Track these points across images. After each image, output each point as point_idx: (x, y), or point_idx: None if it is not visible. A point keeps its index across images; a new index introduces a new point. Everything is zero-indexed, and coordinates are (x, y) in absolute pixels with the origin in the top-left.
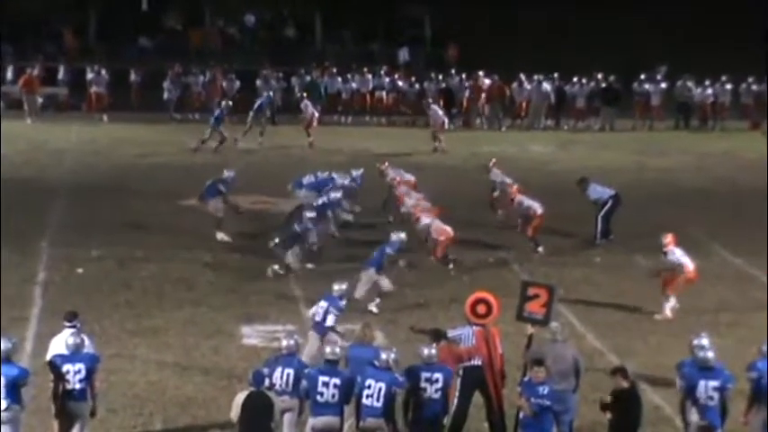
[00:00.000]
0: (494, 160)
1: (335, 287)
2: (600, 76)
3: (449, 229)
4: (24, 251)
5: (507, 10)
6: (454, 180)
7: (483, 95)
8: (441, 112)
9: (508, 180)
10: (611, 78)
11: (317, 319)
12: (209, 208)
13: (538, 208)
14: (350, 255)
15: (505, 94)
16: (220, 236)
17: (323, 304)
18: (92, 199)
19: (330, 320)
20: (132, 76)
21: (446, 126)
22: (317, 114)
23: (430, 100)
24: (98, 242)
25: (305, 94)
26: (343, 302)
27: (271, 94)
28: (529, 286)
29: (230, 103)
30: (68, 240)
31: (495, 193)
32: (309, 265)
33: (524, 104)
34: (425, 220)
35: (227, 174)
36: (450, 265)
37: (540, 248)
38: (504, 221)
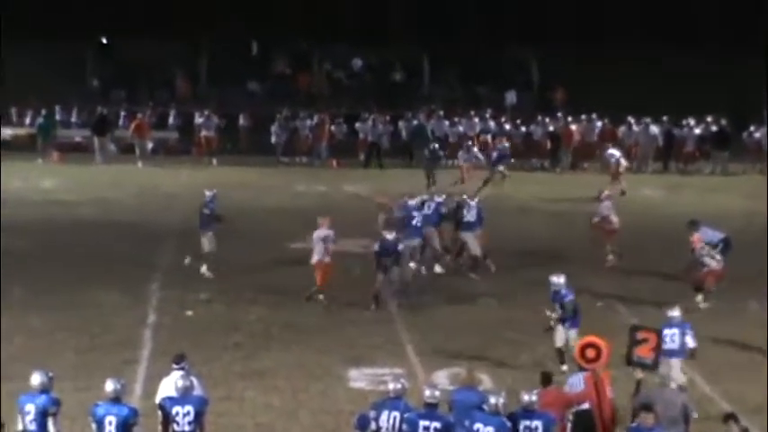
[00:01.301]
0: (606, 192)
1: None
2: (709, 119)
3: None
4: (136, 294)
5: (614, 51)
6: (562, 225)
7: (595, 138)
8: (618, 154)
9: (614, 218)
10: (723, 122)
11: None
12: (204, 240)
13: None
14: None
15: (617, 137)
16: (204, 270)
17: None
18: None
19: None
20: (241, 121)
21: (622, 167)
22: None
23: (609, 145)
24: (207, 285)
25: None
26: None
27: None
28: (637, 330)
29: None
30: (178, 283)
31: (595, 219)
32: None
33: (633, 148)
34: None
35: (208, 194)
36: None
37: (700, 299)
38: (611, 259)
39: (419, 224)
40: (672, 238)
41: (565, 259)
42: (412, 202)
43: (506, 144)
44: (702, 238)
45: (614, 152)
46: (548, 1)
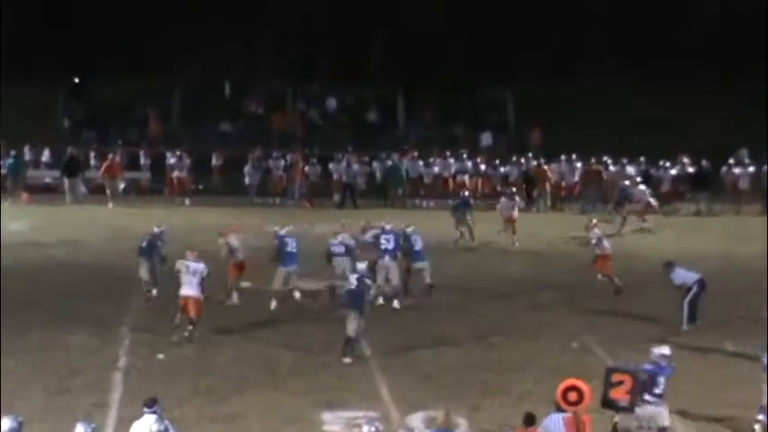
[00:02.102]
0: (594, 220)
1: None
2: (686, 159)
3: None
4: (106, 336)
5: (589, 93)
6: (540, 265)
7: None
8: (647, 192)
9: (606, 243)
10: (703, 162)
11: None
12: (142, 269)
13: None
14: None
15: (602, 178)
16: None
17: None
18: (173, 284)
19: None
20: (214, 161)
21: (654, 206)
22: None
23: (629, 182)
24: (180, 327)
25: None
26: None
27: None
28: (613, 372)
29: None
30: (149, 326)
31: (595, 247)
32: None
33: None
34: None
35: (157, 229)
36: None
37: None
38: (601, 287)
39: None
40: (648, 280)
41: (541, 301)
42: (366, 236)
43: (467, 193)
44: (676, 279)
45: (644, 189)
46: (522, 40)
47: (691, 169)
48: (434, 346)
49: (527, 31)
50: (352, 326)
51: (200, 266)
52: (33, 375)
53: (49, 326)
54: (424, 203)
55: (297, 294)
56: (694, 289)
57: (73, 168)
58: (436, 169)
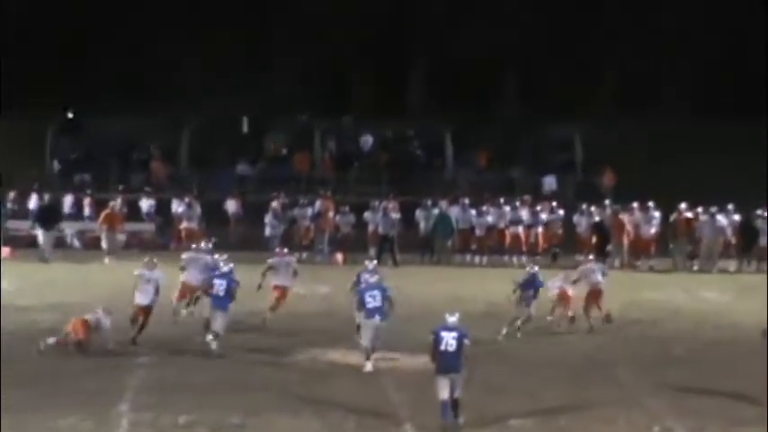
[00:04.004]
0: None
1: None
2: None
3: None
4: (101, 418)
5: (666, 129)
6: (614, 333)
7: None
8: None
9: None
10: None
11: None
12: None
13: None
14: None
15: (693, 229)
16: None
17: None
18: (180, 354)
19: None
20: (230, 209)
21: None
22: None
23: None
24: (187, 405)
25: None
26: None
27: None
28: None
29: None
30: (152, 404)
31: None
32: None
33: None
34: None
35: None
36: None
37: None
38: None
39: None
40: (741, 352)
41: (618, 376)
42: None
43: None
44: None
45: None
46: (591, 69)
47: None
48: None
49: (596, 59)
50: (445, 392)
51: (156, 275)
52: None
53: (34, 407)
54: (477, 259)
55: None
56: None
57: (49, 219)
58: (490, 219)
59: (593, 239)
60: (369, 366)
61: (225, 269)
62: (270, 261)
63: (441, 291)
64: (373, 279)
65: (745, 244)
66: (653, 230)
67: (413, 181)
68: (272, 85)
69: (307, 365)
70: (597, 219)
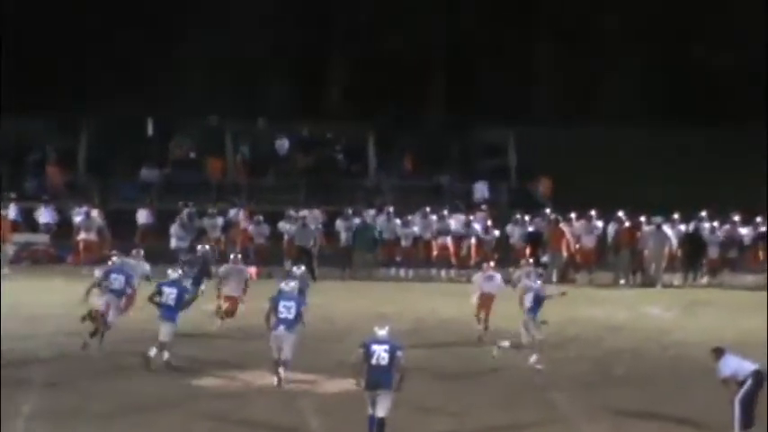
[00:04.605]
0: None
1: None
2: (736, 217)
3: None
4: None
5: (607, 134)
6: (550, 353)
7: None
8: None
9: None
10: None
11: None
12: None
13: None
14: None
15: (636, 240)
16: None
17: None
18: (79, 378)
19: None
20: (140, 219)
21: None
22: None
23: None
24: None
25: None
26: None
27: None
28: None
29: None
30: None
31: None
32: None
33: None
34: None
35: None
36: None
37: None
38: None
39: None
40: (687, 374)
41: (549, 398)
42: None
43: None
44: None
45: None
46: (529, 71)
47: (743, 230)
48: None
49: (532, 59)
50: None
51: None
52: None
53: None
54: (402, 273)
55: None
56: (749, 383)
57: None
58: (416, 229)
59: (528, 250)
60: (275, 380)
61: (174, 276)
62: (221, 270)
63: (363, 307)
64: (289, 287)
65: (691, 256)
66: (594, 241)
67: (332, 188)
68: (179, 84)
69: (217, 388)
70: (531, 228)
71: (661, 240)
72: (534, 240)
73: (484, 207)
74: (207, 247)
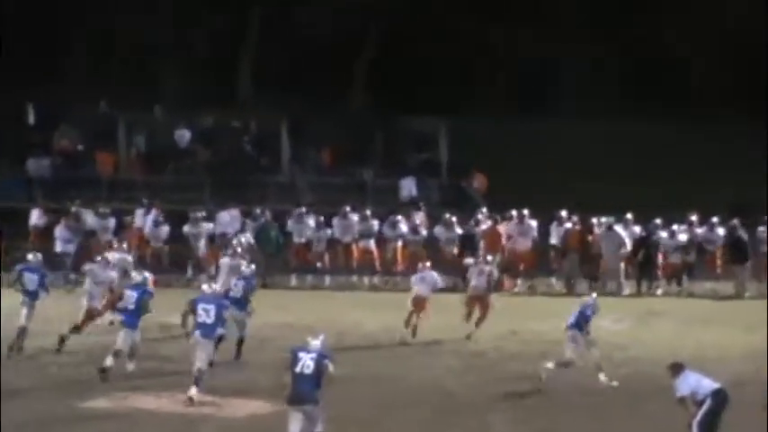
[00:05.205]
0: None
1: None
2: (694, 218)
3: None
4: None
5: (547, 127)
6: (485, 371)
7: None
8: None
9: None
10: (734, 222)
11: None
12: None
13: None
14: None
15: (585, 243)
16: None
17: None
18: None
19: None
20: (32, 220)
21: None
22: None
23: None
24: None
25: None
26: None
27: None
28: None
29: None
30: None
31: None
32: None
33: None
34: None
35: None
36: None
37: None
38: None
39: None
40: (640, 391)
41: (485, 420)
42: None
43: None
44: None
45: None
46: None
47: (699, 230)
48: None
49: (466, 46)
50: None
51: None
52: None
53: None
54: (319, 280)
55: None
56: (708, 404)
57: None
58: (335, 231)
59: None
60: (193, 391)
61: (138, 278)
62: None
63: (275, 320)
64: (211, 289)
65: (644, 261)
66: (529, 244)
67: (240, 185)
68: (64, 67)
69: (107, 412)
70: (460, 231)
71: (614, 242)
72: (465, 243)
73: (422, 205)
74: None
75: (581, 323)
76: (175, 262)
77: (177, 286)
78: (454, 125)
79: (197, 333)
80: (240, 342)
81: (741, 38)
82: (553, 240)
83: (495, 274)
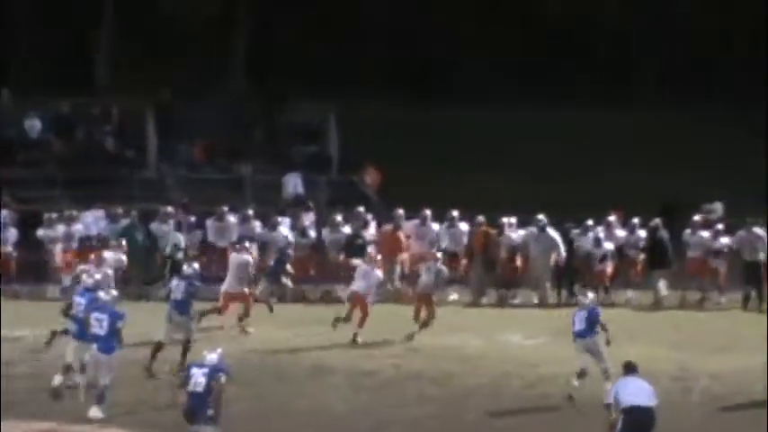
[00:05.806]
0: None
1: None
2: (611, 217)
3: None
4: None
5: (455, 114)
6: (384, 393)
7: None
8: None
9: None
10: (656, 222)
11: None
12: None
13: None
14: None
15: (492, 245)
16: None
17: None
18: None
19: None
20: None
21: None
22: None
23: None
24: None
25: None
26: None
27: None
28: None
29: None
30: None
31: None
32: None
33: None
34: None
35: None
36: None
37: None
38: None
39: None
40: (556, 413)
41: None
42: None
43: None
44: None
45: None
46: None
47: (621, 232)
48: None
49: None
50: None
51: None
52: None
53: None
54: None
55: None
56: (620, 424)
57: None
58: (208, 235)
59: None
60: (96, 412)
61: (107, 297)
62: None
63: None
64: (109, 296)
65: (564, 268)
66: (426, 248)
67: (101, 181)
68: None
69: None
70: (349, 232)
71: (546, 246)
72: (352, 248)
73: (311, 204)
74: None
75: (593, 324)
76: (26, 269)
77: (27, 298)
78: (344, 112)
79: (94, 347)
80: (185, 349)
81: None
82: (443, 244)
83: (445, 271)
